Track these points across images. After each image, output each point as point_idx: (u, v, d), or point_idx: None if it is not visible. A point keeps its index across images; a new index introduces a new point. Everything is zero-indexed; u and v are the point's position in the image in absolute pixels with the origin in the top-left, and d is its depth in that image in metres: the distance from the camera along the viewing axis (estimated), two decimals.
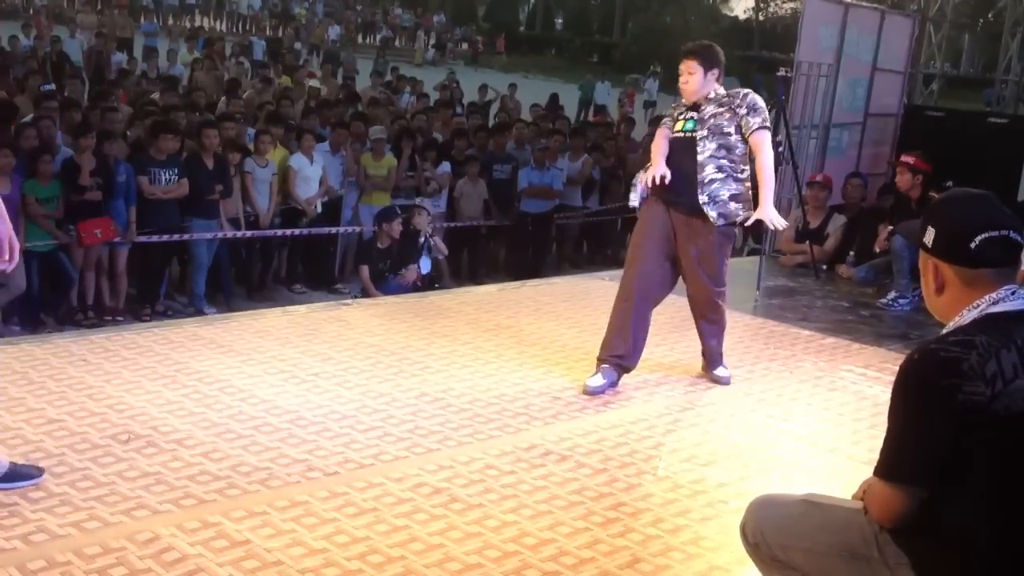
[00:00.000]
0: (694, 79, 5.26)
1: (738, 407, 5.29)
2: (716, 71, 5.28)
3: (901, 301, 7.71)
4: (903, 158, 8.22)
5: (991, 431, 2.25)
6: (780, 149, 8.34)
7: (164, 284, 9.27)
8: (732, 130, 5.21)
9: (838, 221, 9.02)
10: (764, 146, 5.19)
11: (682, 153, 5.26)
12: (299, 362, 5.40)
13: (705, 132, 5.22)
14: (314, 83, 17.69)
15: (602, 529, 3.82)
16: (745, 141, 5.22)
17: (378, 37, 40.33)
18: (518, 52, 42.01)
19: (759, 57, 43.93)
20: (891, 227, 8.12)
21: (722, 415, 5.15)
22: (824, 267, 8.82)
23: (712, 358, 5.64)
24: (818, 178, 9.21)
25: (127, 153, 8.98)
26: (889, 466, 2.39)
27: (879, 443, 2.44)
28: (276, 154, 9.94)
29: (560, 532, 3.77)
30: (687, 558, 3.66)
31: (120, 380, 4.91)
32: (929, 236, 2.42)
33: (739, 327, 6.86)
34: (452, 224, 10.99)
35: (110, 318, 8.45)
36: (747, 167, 5.24)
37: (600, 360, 5.37)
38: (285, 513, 3.72)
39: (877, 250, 8.44)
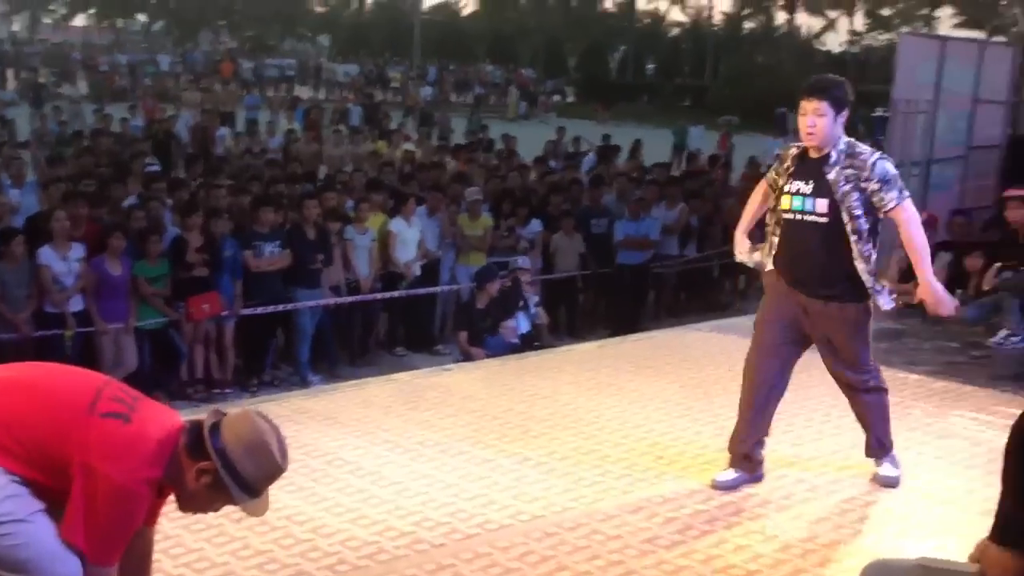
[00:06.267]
0: (823, 123, 4.45)
1: (846, 459, 5.17)
2: (846, 113, 4.52)
3: (1013, 339, 7.46)
4: (1014, 192, 7.96)
5: None
6: None
7: (270, 354, 9.46)
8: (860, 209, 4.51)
9: (943, 259, 8.78)
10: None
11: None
12: (403, 431, 5.46)
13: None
14: (409, 146, 18.00)
15: None
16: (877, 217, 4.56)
17: (471, 95, 40.95)
18: (611, 101, 42.06)
19: (854, 91, 43.32)
20: (998, 263, 7.89)
21: (830, 468, 5.04)
22: None
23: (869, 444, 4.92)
24: (922, 217, 8.99)
25: (231, 228, 9.22)
26: (1004, 530, 2.33)
27: (994, 492, 2.38)
28: (375, 220, 10.11)
29: None
30: None
31: None
32: None
33: None
34: (548, 276, 10.98)
35: (219, 391, 8.65)
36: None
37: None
38: None
39: (985, 288, 8.20)
